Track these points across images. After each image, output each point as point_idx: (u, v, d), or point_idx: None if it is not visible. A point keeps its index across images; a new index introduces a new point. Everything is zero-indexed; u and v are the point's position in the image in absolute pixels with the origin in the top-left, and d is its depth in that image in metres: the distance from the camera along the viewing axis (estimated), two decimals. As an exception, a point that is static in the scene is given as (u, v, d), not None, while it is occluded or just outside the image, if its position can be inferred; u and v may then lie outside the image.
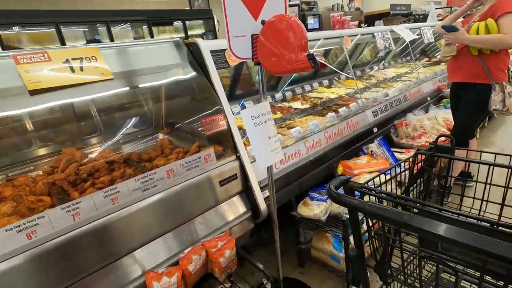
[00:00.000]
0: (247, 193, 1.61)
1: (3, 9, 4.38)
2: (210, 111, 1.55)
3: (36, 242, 0.98)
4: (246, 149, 1.60)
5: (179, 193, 1.33)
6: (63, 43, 4.80)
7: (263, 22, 0.96)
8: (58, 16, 4.77)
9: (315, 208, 1.68)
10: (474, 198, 1.04)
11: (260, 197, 1.57)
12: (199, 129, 1.75)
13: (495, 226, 0.46)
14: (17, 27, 4.55)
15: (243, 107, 2.51)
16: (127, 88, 1.71)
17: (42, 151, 1.76)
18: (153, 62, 1.61)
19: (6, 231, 0.92)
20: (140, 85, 1.81)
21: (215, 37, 6.58)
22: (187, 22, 6.23)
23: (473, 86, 2.15)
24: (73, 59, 1.21)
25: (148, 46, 1.57)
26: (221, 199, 1.49)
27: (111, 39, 5.28)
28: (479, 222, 0.49)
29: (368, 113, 2.51)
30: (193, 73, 1.60)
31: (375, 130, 2.49)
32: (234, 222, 1.52)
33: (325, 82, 3.38)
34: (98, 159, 1.64)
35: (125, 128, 2.00)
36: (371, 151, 2.14)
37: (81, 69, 1.21)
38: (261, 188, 1.59)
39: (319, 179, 1.98)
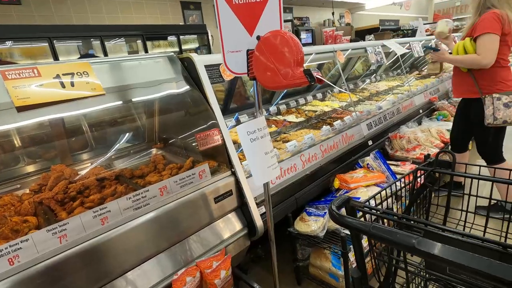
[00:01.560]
0: (242, 210, 1.57)
1: (-5, 24, 4.36)
2: (204, 126, 1.53)
3: (19, 267, 0.92)
4: (241, 163, 1.57)
5: (173, 211, 1.28)
6: (56, 57, 4.78)
7: (258, 38, 0.95)
8: (51, 31, 4.76)
9: (313, 223, 1.64)
10: (461, 210, 1.03)
11: (256, 213, 1.52)
12: (193, 144, 1.72)
13: (508, 250, 0.44)
14: (10, 41, 4.53)
15: (237, 120, 2.49)
16: (120, 103, 1.68)
17: (30, 168, 1.70)
18: (147, 76, 1.59)
19: (-14, 256, 0.86)
20: (133, 100, 1.78)
21: (209, 51, 6.66)
22: (181, 37, 6.29)
23: (470, 102, 2.17)
24: (64, 74, 1.18)
25: (142, 60, 1.56)
26: (216, 216, 1.45)
27: (105, 54, 5.28)
28: (489, 244, 0.47)
29: (362, 126, 2.52)
30: (188, 88, 1.58)
31: (370, 143, 2.49)
32: (230, 240, 1.47)
33: (319, 95, 3.41)
34: (88, 176, 1.58)
35: (118, 144, 1.96)
36: (367, 164, 2.13)
37: (72, 84, 1.18)
38: (257, 204, 1.56)
39: (316, 194, 1.95)
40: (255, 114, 1.15)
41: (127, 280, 1.15)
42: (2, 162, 1.62)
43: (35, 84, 1.10)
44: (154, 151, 2.02)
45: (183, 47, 6.42)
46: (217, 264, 1.26)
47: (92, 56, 5.11)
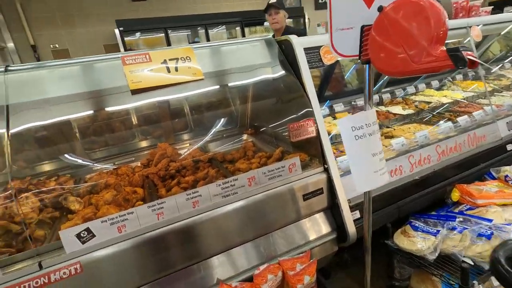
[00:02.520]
0: (333, 211, 1.40)
1: (129, 18, 5.21)
2: (298, 115, 1.40)
3: (125, 236, 1.02)
4: (335, 159, 1.40)
5: (259, 203, 1.23)
6: (169, 46, 5.43)
7: (380, 9, 0.75)
8: (167, 22, 5.40)
9: (419, 241, 1.35)
10: None
11: (348, 217, 1.34)
12: (284, 133, 1.63)
13: None
14: (138, 33, 5.36)
15: (330, 108, 2.28)
16: (217, 88, 1.72)
17: (142, 144, 1.94)
18: (243, 61, 1.56)
19: (101, 222, 0.98)
20: (229, 85, 1.80)
21: (305, 35, 6.39)
22: (277, 21, 6.22)
23: None
24: (170, 59, 1.23)
25: (239, 45, 1.52)
26: (303, 214, 1.34)
27: (208, 41, 5.70)
28: None
29: (500, 125, 1.93)
30: (283, 73, 1.48)
31: (509, 147, 1.90)
32: (316, 243, 1.34)
33: (435, 82, 2.82)
34: (186, 156, 1.69)
35: (212, 127, 2.05)
36: (506, 176, 1.62)
37: (176, 69, 1.23)
38: (350, 207, 1.36)
39: (425, 204, 1.60)
40: (364, 106, 0.95)
41: (213, 263, 1.17)
42: (123, 137, 1.89)
43: (146, 69, 1.18)
44: (245, 137, 2.03)
45: (279, 31, 6.36)
46: (301, 268, 1.16)
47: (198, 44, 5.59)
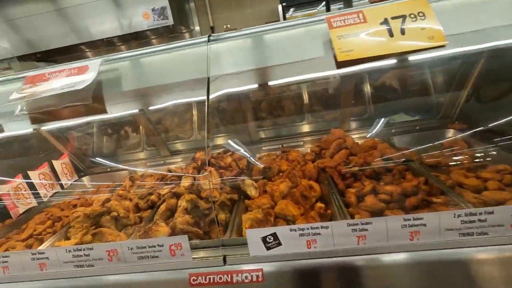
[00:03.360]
0: None
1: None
2: None
3: (313, 253, 0.79)
4: None
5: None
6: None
7: None
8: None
9: None
10: None
11: None
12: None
13: None
14: (292, 8, 5.22)
15: None
16: (419, 59, 1.23)
17: (311, 127, 1.71)
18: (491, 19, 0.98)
19: (290, 230, 0.78)
20: (438, 56, 1.26)
21: None
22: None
23: None
24: (392, 17, 0.86)
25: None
26: None
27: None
28: None
29: None
30: None
31: None
32: None
33: None
34: (366, 149, 1.33)
35: (400, 114, 1.58)
36: None
37: (402, 31, 0.84)
38: None
39: None
40: None
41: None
42: (292, 117, 1.72)
43: (360, 33, 0.86)
44: (450, 133, 1.45)
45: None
46: None
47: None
